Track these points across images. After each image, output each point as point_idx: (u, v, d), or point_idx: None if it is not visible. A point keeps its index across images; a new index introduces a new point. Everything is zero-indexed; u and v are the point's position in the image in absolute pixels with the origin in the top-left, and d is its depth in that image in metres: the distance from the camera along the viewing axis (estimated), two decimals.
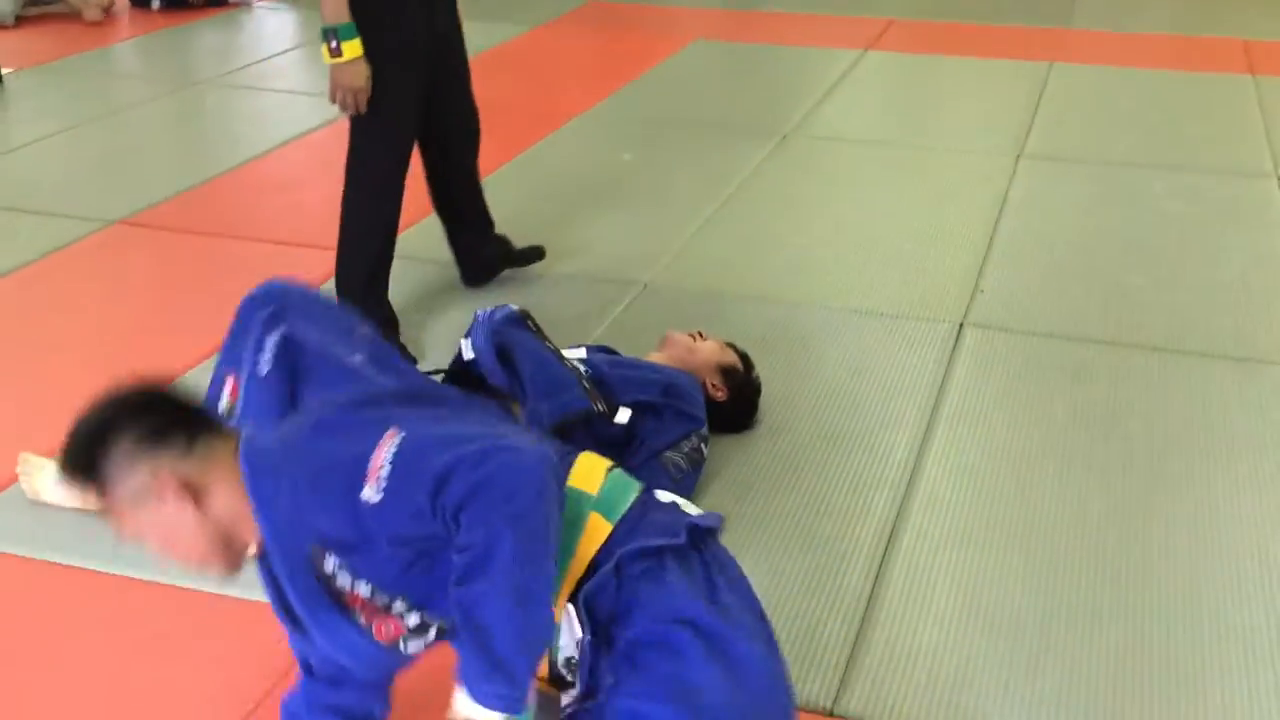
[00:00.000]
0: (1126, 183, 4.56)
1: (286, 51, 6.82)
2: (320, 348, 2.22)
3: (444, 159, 3.47)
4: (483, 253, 3.67)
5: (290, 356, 2.20)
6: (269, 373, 2.18)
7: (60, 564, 2.45)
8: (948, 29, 6.90)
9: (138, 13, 7.24)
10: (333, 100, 3.09)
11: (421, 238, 3.82)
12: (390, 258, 3.34)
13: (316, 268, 3.68)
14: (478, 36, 6.74)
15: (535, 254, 3.74)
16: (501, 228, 3.67)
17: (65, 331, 3.46)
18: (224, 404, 2.23)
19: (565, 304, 3.54)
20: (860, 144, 5.11)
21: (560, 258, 3.81)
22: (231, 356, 2.24)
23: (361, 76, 3.03)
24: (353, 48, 3.00)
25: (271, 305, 2.22)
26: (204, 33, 7.03)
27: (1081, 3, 7.67)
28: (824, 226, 4.18)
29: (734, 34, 6.83)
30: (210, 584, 2.25)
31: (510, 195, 4.12)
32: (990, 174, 4.61)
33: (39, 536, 2.52)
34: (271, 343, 2.19)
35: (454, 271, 3.67)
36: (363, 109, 3.07)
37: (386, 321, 3.30)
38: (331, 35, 3.00)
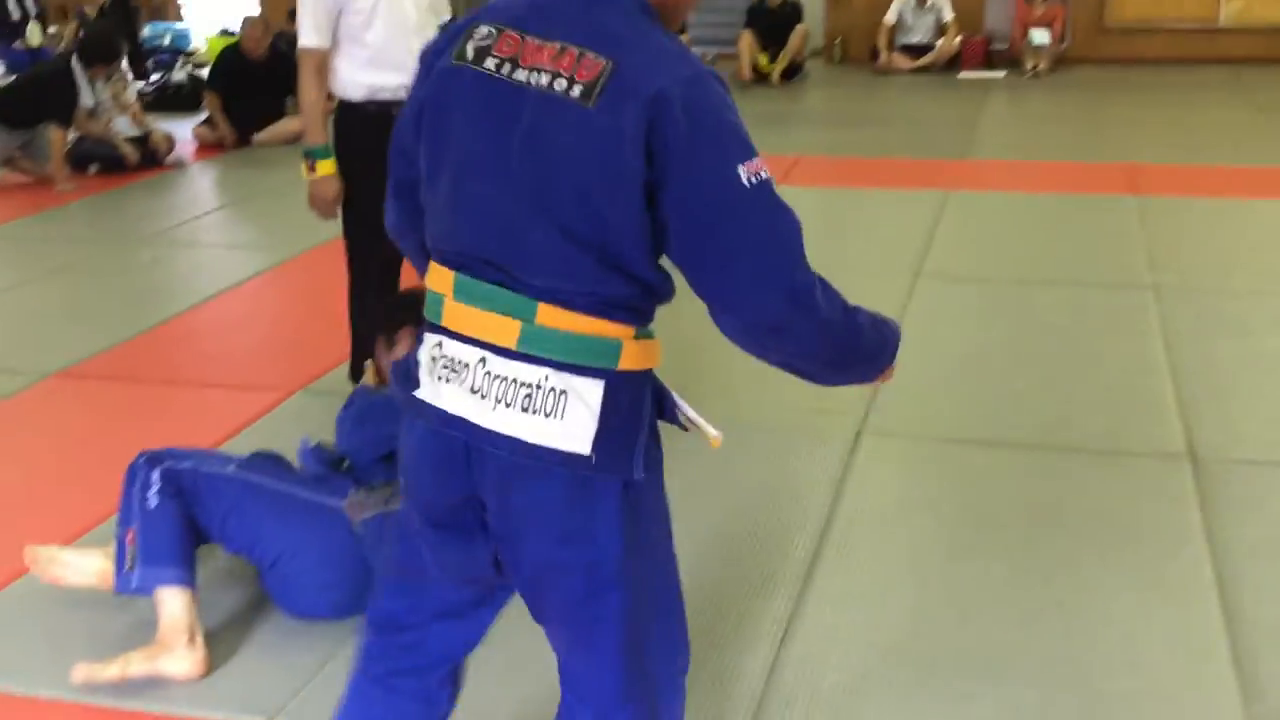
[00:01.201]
0: (1016, 298, 4.86)
1: (219, 209, 7.09)
2: (197, 467, 2.63)
3: None
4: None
5: (174, 484, 2.60)
6: (158, 505, 2.56)
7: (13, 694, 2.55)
8: (851, 163, 7.30)
9: (76, 175, 7.49)
10: (310, 208, 3.63)
11: None
12: None
13: (248, 409, 3.87)
14: None
15: None
16: None
17: None
18: (128, 558, 2.50)
19: None
20: None
21: None
22: (125, 515, 2.59)
23: (332, 190, 3.56)
24: (325, 166, 3.54)
25: (144, 456, 2.62)
26: (140, 193, 7.28)
27: (978, 137, 8.15)
28: (730, 347, 4.40)
29: None
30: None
31: None
32: (888, 293, 4.88)
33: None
34: (154, 479, 2.57)
35: None
36: (333, 216, 3.61)
37: None
38: (310, 155, 3.55)
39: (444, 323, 1.67)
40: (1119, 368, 4.11)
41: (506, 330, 1.61)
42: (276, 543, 2.62)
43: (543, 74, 1.57)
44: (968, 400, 3.89)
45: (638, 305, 1.64)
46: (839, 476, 3.40)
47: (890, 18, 10.95)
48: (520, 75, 1.58)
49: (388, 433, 2.75)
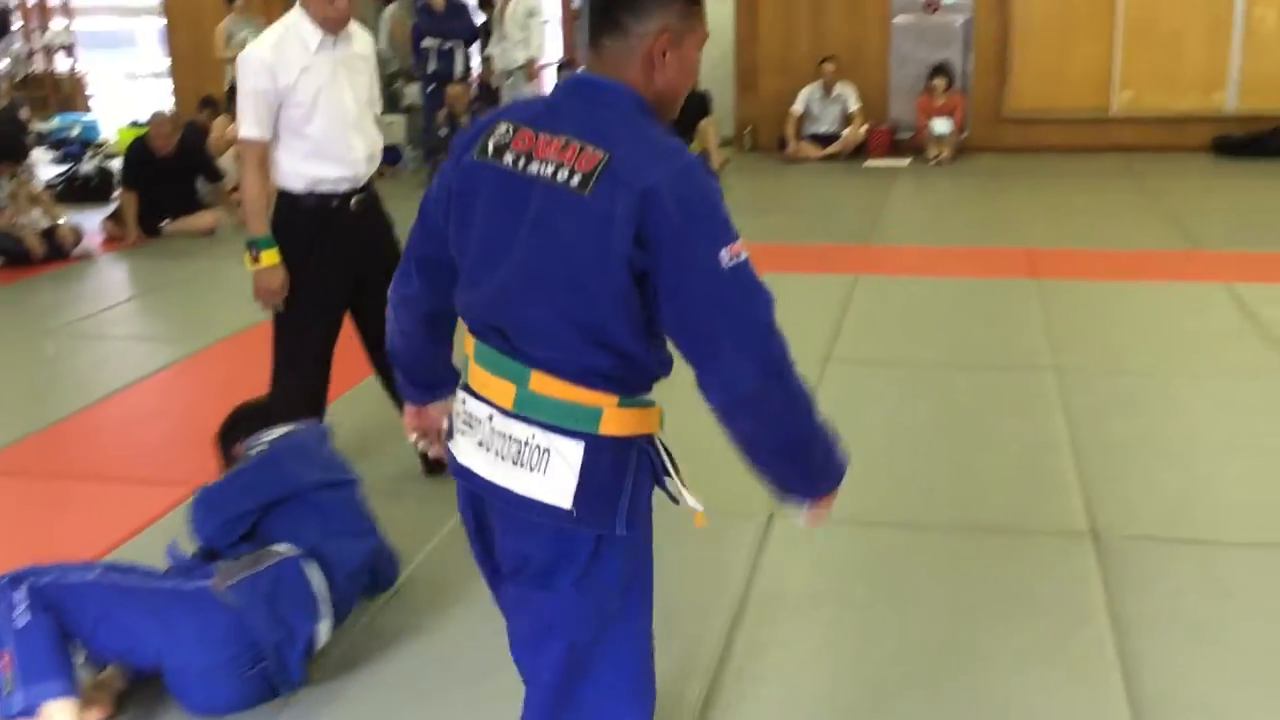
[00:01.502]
0: (924, 380, 4.97)
1: (127, 300, 7.00)
2: (60, 579, 2.60)
3: (376, 350, 3.77)
4: None
5: (41, 600, 2.56)
6: (28, 623, 2.52)
7: None
8: (762, 249, 7.37)
9: None
10: (256, 299, 3.62)
11: None
12: None
13: (155, 504, 3.80)
14: None
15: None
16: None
17: None
18: (6, 682, 2.45)
19: None
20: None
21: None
22: None
23: (277, 280, 3.57)
24: (270, 256, 3.55)
25: (5, 578, 2.59)
26: (46, 285, 7.17)
27: (885, 222, 8.36)
28: None
29: None
30: None
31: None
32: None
33: None
34: (19, 598, 2.53)
35: None
36: (280, 307, 3.61)
37: None
38: (253, 246, 3.55)
39: (468, 382, 1.94)
40: (1023, 448, 4.21)
41: (506, 392, 1.85)
42: (153, 639, 2.58)
43: (550, 165, 1.79)
44: (878, 483, 3.95)
45: (621, 376, 1.83)
46: (753, 558, 3.43)
47: (798, 107, 11.23)
48: (533, 168, 1.81)
49: (238, 514, 2.78)
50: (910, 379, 5.00)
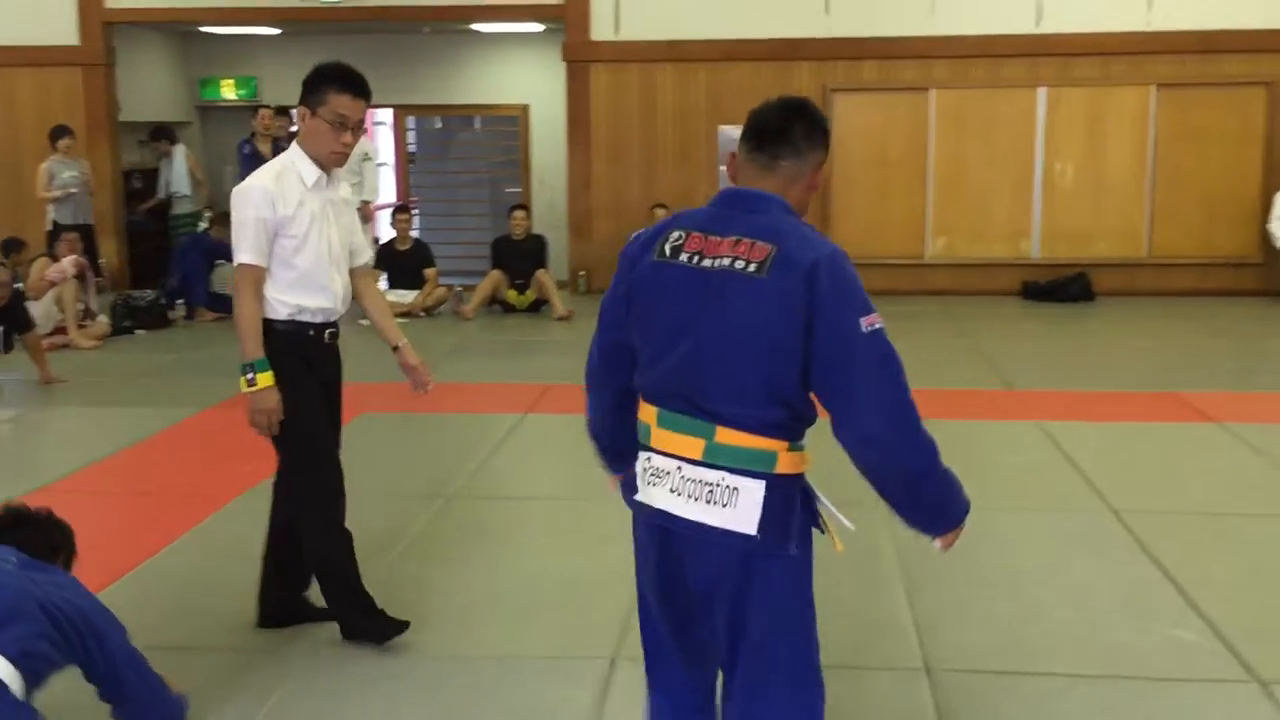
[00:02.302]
0: None
1: None
2: None
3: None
4: (291, 599, 3.96)
5: None
6: None
7: None
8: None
9: None
10: (251, 423, 3.60)
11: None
12: (353, 549, 3.79)
13: None
14: (139, 423, 6.82)
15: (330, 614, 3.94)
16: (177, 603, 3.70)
17: None
18: None
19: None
20: (521, 500, 5.44)
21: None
22: None
23: (273, 400, 3.58)
24: (266, 378, 3.58)
25: None
26: None
27: None
28: (485, 581, 4.40)
29: (400, 405, 7.14)
30: None
31: (181, 572, 4.13)
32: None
33: None
34: None
35: None
36: (275, 430, 3.61)
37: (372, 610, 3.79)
38: (249, 368, 3.57)
39: (651, 443, 2.40)
40: (859, 587, 4.29)
41: (694, 446, 2.32)
42: None
43: (724, 259, 2.31)
44: None
45: (789, 425, 2.30)
46: (596, 706, 3.40)
47: None
48: (706, 263, 2.32)
49: None
50: None
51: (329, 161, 3.69)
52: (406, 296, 10.60)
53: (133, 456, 5.73)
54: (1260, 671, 3.60)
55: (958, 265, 11.62)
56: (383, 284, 10.28)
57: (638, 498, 2.45)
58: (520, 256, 10.86)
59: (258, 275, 3.61)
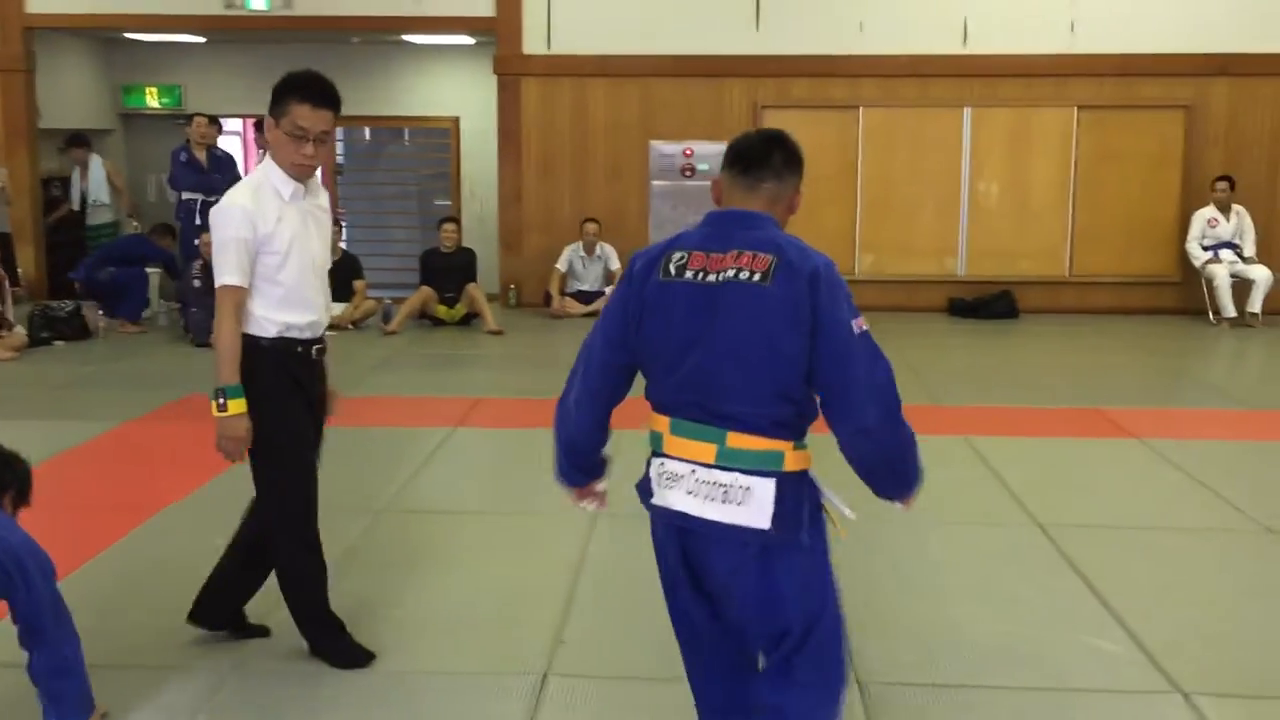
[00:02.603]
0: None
1: None
2: None
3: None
4: (234, 604, 3.90)
5: None
6: None
7: None
8: (527, 404, 7.46)
9: None
10: (218, 448, 3.53)
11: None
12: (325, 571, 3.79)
13: None
14: (58, 436, 6.67)
15: (262, 631, 3.92)
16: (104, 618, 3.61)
17: None
18: None
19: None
20: (450, 515, 5.40)
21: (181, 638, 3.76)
22: None
23: (242, 428, 3.51)
24: (237, 405, 3.50)
25: None
26: None
27: None
28: (415, 596, 4.35)
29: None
30: None
31: (106, 588, 4.04)
32: (568, 527, 4.98)
33: None
34: None
35: None
36: (241, 458, 3.56)
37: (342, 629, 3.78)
38: (220, 393, 3.48)
39: (664, 450, 2.58)
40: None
41: (707, 451, 2.51)
42: None
43: (728, 271, 2.50)
44: (652, 637, 3.97)
45: (794, 424, 2.51)
46: (530, 715, 3.38)
47: (561, 265, 11.48)
48: (711, 278, 2.51)
49: None
50: None
51: (293, 173, 3.59)
52: (335, 309, 10.50)
53: (52, 470, 5.58)
54: (1181, 682, 3.67)
55: (885, 282, 11.74)
56: None
57: (654, 501, 2.61)
58: (450, 270, 10.81)
59: (239, 297, 3.53)
